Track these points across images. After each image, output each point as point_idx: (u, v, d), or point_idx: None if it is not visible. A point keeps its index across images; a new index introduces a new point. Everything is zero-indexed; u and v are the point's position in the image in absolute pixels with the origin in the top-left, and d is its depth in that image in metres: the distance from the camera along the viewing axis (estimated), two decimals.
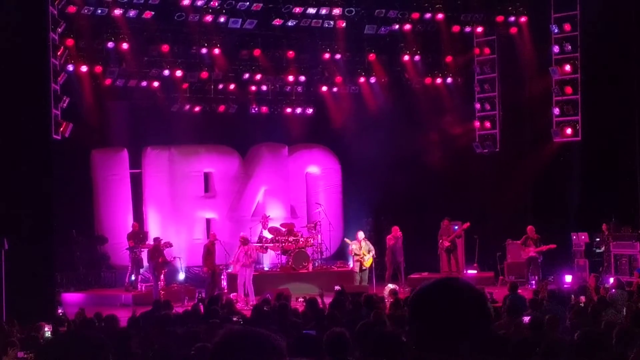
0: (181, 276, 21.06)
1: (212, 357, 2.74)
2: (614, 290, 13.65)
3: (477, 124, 24.16)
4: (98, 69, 21.34)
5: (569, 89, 22.06)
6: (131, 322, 11.17)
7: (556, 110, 22.29)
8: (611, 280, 16.49)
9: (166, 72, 22.10)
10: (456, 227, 22.11)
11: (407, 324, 2.97)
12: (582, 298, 13.86)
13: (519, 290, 14.68)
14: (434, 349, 2.85)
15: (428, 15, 22.30)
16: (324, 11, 21.56)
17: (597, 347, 7.12)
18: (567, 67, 22.02)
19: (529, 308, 12.29)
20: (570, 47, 21.93)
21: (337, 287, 16.18)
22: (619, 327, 8.42)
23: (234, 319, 12.12)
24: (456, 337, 2.84)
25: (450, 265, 22.41)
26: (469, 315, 2.86)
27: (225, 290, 20.11)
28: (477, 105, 24.10)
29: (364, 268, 20.56)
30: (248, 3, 20.86)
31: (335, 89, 24.21)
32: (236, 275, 19.76)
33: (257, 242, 22.03)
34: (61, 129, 18.30)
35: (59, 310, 14.55)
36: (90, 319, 12.39)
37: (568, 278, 19.61)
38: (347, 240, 21.39)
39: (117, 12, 20.31)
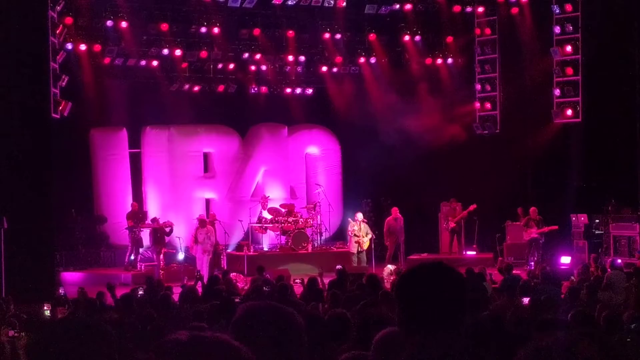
0: (180, 256, 21.07)
1: (234, 331, 2.79)
2: (611, 271, 13.67)
3: (477, 104, 24.09)
4: (97, 47, 21.24)
5: (569, 70, 21.97)
6: (123, 298, 11.19)
7: (557, 92, 22.22)
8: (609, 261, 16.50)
9: (165, 51, 22.00)
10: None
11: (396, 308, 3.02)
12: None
13: (517, 271, 14.71)
14: (418, 333, 2.90)
15: None
16: None
17: (588, 327, 7.13)
18: (568, 48, 21.92)
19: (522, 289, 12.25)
20: (571, 27, 21.81)
21: (338, 267, 16.15)
22: (610, 310, 8.43)
23: (236, 300, 12.10)
24: (437, 322, 2.89)
25: (452, 246, 22.44)
26: (449, 301, 2.91)
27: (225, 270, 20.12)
28: (478, 86, 24.01)
29: (361, 250, 20.58)
30: None
31: (335, 69, 24.09)
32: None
33: (257, 223, 22.05)
34: (60, 107, 18.26)
35: (60, 291, 14.56)
36: (92, 299, 12.42)
37: (565, 259, 19.62)
38: (350, 220, 21.34)
39: None
